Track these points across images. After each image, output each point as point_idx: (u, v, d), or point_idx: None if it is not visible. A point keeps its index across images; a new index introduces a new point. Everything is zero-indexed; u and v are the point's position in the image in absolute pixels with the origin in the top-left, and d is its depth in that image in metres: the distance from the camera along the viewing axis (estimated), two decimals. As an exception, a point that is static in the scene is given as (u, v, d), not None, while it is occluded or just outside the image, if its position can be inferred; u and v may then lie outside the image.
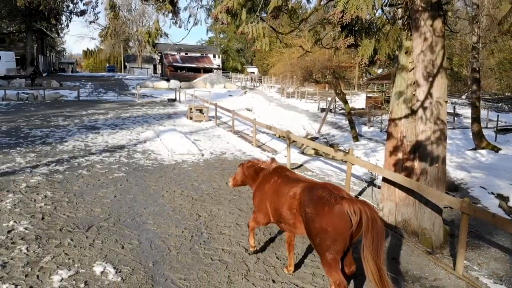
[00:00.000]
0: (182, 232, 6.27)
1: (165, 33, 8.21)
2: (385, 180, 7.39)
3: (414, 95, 6.89)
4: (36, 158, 10.84)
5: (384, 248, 3.96)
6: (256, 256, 5.53)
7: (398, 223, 7.05)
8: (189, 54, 72.25)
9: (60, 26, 52.09)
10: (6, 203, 7.22)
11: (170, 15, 8.97)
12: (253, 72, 71.75)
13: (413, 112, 6.89)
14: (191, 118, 20.65)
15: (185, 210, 7.27)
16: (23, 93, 30.87)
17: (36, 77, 40.54)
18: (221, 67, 75.80)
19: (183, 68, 64.84)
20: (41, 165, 10.07)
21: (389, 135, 7.33)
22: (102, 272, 4.93)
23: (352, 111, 21.74)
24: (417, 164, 6.84)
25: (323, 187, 4.22)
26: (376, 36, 6.71)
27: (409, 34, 6.92)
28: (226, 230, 6.40)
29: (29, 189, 8.10)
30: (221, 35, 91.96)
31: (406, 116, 6.97)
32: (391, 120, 7.27)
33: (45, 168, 9.84)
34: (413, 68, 6.86)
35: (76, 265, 5.07)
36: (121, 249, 5.58)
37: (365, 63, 6.59)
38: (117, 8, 7.47)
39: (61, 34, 63.05)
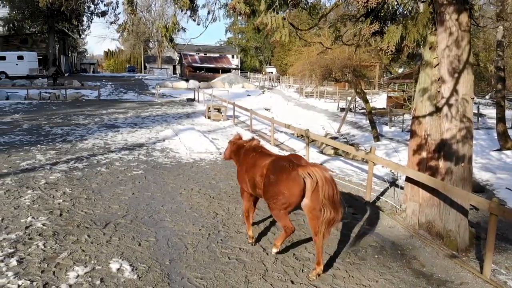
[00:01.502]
0: (199, 230, 6.18)
1: (182, 27, 8.14)
2: (408, 179, 7.15)
3: (438, 92, 6.64)
4: (56, 156, 10.94)
5: (339, 196, 4.69)
6: (275, 256, 5.39)
7: (421, 224, 6.80)
8: (208, 55, 72.61)
9: (81, 27, 52.96)
10: (25, 199, 7.26)
11: (189, 12, 8.91)
12: (271, 72, 71.57)
13: (438, 110, 6.64)
14: (209, 118, 20.65)
15: (203, 208, 7.19)
16: (45, 92, 31.43)
17: (58, 77, 41.30)
18: (239, 67, 75.88)
19: (202, 69, 65.22)
20: (60, 162, 10.16)
21: (413, 134, 7.09)
22: (118, 269, 4.87)
23: (372, 111, 21.37)
24: (442, 164, 6.59)
25: (286, 159, 5.13)
26: (404, 22, 6.43)
27: (433, 29, 6.67)
28: (243, 228, 6.26)
29: (48, 186, 8.15)
30: (240, 35, 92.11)
31: (430, 114, 6.72)
32: (415, 118, 7.03)
33: (65, 165, 9.91)
34: (437, 64, 6.61)
35: (92, 262, 5.02)
36: (138, 246, 5.52)
37: (391, 50, 6.32)
38: (135, 3, 7.44)
39: (83, 35, 64.04)
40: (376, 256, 5.66)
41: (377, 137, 20.18)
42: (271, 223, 6.56)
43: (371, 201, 8.00)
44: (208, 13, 9.20)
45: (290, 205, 4.80)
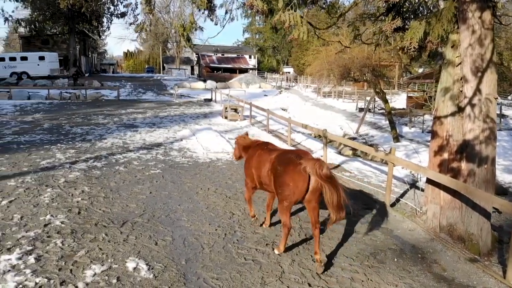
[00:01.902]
0: (216, 230, 6.15)
1: (200, 27, 8.13)
2: (429, 181, 6.98)
3: (461, 91, 6.46)
4: (76, 155, 11.10)
5: (341, 187, 4.72)
6: (291, 257, 5.33)
7: (442, 227, 6.63)
8: (226, 55, 72.80)
9: (101, 28, 53.79)
10: (45, 197, 7.37)
11: (206, 11, 8.91)
12: (289, 72, 71.32)
13: (460, 110, 6.46)
14: (226, 118, 20.68)
15: (219, 208, 7.17)
16: (66, 92, 32.03)
17: (78, 77, 42.09)
18: (256, 67, 75.89)
19: (219, 69, 65.49)
20: (80, 161, 10.30)
21: (434, 134, 6.91)
22: (134, 268, 4.88)
23: (392, 111, 21.03)
24: (464, 165, 6.40)
25: (292, 152, 5.38)
26: (427, 18, 6.24)
27: (455, 27, 6.49)
28: (259, 229, 6.22)
29: (67, 184, 8.26)
30: (257, 36, 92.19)
31: (452, 114, 6.54)
32: (436, 118, 6.86)
33: (84, 164, 10.04)
34: (460, 63, 6.43)
35: (109, 260, 5.05)
36: (155, 246, 5.53)
37: (414, 47, 6.13)
38: (153, 3, 7.47)
39: (103, 36, 65.06)
40: (395, 260, 5.54)
41: (397, 137, 19.85)
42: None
43: (390, 203, 7.85)
44: (226, 12, 9.17)
45: (294, 196, 4.96)
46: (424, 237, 6.44)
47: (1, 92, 30.04)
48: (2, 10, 43.95)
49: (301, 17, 5.34)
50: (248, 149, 6.30)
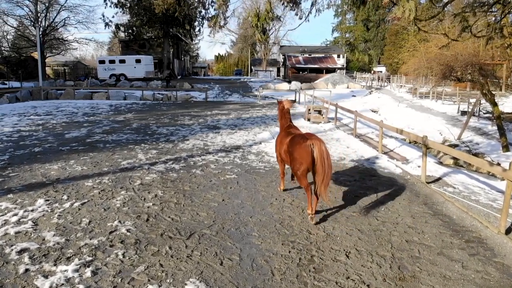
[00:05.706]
0: (289, 252, 5.31)
1: (277, 16, 7.36)
2: None
3: None
4: (157, 155, 11.04)
5: (330, 162, 6.01)
6: (380, 298, 4.29)
7: None
8: (312, 55, 71.44)
9: (193, 32, 55.95)
10: (117, 200, 7.17)
11: (290, 4, 8.14)
12: (381, 71, 67.70)
13: None
14: (308, 120, 19.68)
15: (294, 224, 6.30)
16: (159, 93, 33.56)
17: (171, 80, 44.11)
18: (345, 67, 73.39)
19: (305, 70, 64.40)
20: (159, 163, 10.17)
21: None
22: (193, 294, 4.25)
23: (501, 115, 18.31)
24: None
25: (300, 135, 6.61)
26: None
27: None
28: (341, 256, 5.22)
29: (142, 187, 8.04)
30: (347, 35, 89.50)
31: None
32: None
33: (162, 165, 9.87)
34: None
35: (168, 281, 4.49)
36: (219, 266, 4.87)
37: None
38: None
39: (195, 40, 67.84)
40: None
41: (507, 146, 17.19)
42: (376, 255, 5.43)
43: (506, 229, 6.33)
44: (312, 5, 8.30)
45: (302, 167, 6.18)
46: (558, 279, 4.94)
47: (100, 93, 32.47)
48: (103, 16, 47.84)
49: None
50: (281, 128, 7.61)
